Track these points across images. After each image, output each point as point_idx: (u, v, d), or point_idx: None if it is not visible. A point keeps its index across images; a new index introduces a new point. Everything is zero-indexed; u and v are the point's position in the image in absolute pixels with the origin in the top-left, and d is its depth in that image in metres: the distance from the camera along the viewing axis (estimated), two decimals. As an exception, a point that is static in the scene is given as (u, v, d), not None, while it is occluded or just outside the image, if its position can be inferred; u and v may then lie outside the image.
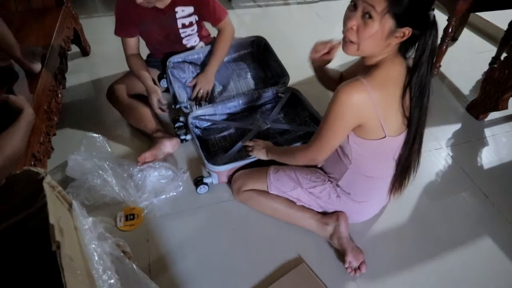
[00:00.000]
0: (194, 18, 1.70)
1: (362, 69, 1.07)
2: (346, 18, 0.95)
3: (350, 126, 1.05)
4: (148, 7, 1.55)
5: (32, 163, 1.26)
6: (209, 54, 1.77)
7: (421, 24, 0.93)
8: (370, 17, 0.90)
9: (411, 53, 1.01)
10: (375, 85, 0.97)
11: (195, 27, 1.74)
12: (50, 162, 1.46)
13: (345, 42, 0.98)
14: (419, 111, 1.04)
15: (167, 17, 1.64)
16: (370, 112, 1.00)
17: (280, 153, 1.34)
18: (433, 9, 0.94)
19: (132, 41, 1.71)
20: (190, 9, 1.66)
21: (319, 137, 1.09)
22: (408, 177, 1.21)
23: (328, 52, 1.26)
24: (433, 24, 0.94)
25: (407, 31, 0.93)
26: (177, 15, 1.65)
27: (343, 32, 0.98)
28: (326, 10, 2.87)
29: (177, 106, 1.71)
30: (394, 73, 1.01)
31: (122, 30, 1.68)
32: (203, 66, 1.79)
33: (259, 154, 1.42)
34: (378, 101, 0.98)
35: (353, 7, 0.94)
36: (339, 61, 2.28)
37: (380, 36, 0.93)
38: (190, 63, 1.81)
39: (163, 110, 1.69)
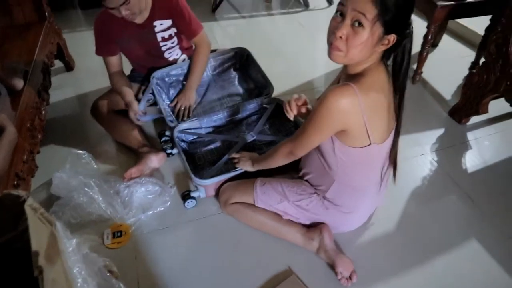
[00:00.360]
0: (172, 31, 1.70)
1: (345, 78, 1.08)
2: (333, 28, 0.96)
3: (335, 128, 1.05)
4: (126, 23, 1.56)
5: (15, 182, 1.24)
6: (188, 71, 1.78)
7: (403, 30, 0.96)
8: (360, 25, 0.91)
9: (391, 59, 1.04)
10: (364, 90, 0.98)
11: (175, 39, 1.74)
12: (35, 180, 1.43)
13: (332, 51, 0.98)
14: (399, 112, 1.09)
15: (146, 31, 1.64)
16: (357, 117, 1.01)
17: (263, 159, 1.34)
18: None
19: (113, 60, 1.71)
20: (168, 22, 1.66)
21: (303, 133, 1.10)
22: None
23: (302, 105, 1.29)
24: (411, 31, 0.98)
25: (392, 37, 0.95)
26: (156, 29, 1.65)
27: (329, 41, 0.98)
28: (308, 20, 2.90)
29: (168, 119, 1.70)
30: (379, 80, 1.03)
31: (102, 49, 1.68)
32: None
33: (245, 165, 1.42)
34: (365, 107, 0.99)
35: (340, 16, 0.95)
36: (326, 69, 2.33)
37: (369, 43, 0.94)
38: (171, 83, 1.84)
39: (137, 120, 1.69)
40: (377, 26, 0.91)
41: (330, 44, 0.98)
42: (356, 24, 0.91)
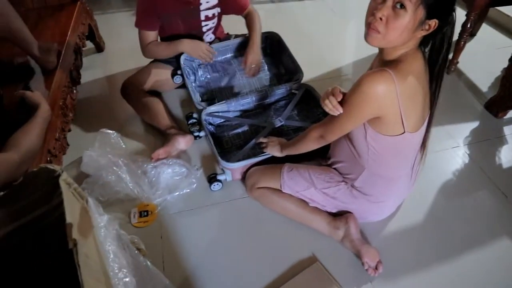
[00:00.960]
0: (216, 11, 1.71)
1: (380, 65, 1.05)
2: (373, 9, 0.92)
3: (369, 115, 1.02)
4: None
5: (48, 159, 1.27)
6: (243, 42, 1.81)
7: (446, 16, 0.92)
8: (403, 7, 0.88)
9: (429, 46, 1.00)
10: (401, 77, 0.95)
11: (215, 20, 1.75)
12: (65, 158, 1.47)
13: (370, 32, 0.94)
14: (434, 102, 1.06)
15: (192, 9, 1.64)
16: (392, 104, 0.97)
17: (293, 144, 1.32)
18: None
19: (152, 34, 1.69)
20: (214, 1, 1.66)
21: (335, 118, 1.07)
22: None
23: None
24: (454, 18, 0.93)
25: (434, 23, 0.91)
26: (201, 7, 1.65)
27: (367, 22, 0.95)
28: (340, 6, 2.83)
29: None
30: (416, 67, 0.99)
31: (144, 22, 1.65)
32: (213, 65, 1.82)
33: (274, 151, 1.41)
34: (401, 94, 0.96)
35: None
36: (356, 56, 2.27)
37: (410, 27, 0.90)
38: (199, 65, 1.84)
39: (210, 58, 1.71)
40: (420, 9, 0.87)
41: (368, 25, 0.94)
42: (398, 6, 0.88)
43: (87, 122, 1.82)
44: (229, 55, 1.91)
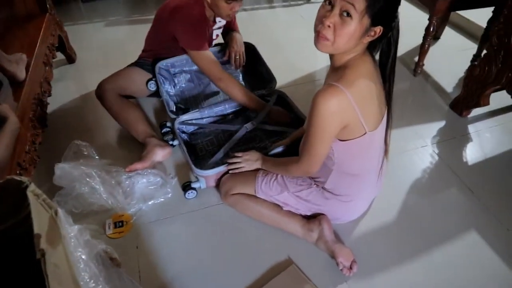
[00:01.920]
0: (220, 31, 1.83)
1: (331, 72, 1.10)
2: (322, 16, 0.96)
3: (335, 131, 1.05)
4: (208, 19, 1.66)
5: (18, 172, 1.25)
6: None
7: (390, 23, 0.97)
8: (349, 15, 0.92)
9: (378, 50, 1.05)
10: (350, 84, 0.99)
11: (217, 40, 1.88)
12: (37, 170, 1.44)
13: (319, 39, 0.98)
14: (389, 99, 1.13)
15: (212, 28, 1.75)
16: (350, 112, 1.01)
17: (273, 165, 1.33)
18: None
19: (213, 55, 1.69)
20: (224, 21, 1.77)
21: (307, 149, 1.10)
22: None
23: None
24: (398, 22, 0.99)
25: (378, 29, 0.96)
26: (214, 26, 1.75)
27: (316, 29, 0.99)
28: (310, 12, 2.89)
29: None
30: (364, 69, 1.04)
31: (205, 44, 1.65)
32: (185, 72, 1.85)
33: (253, 167, 1.39)
34: (355, 99, 0.99)
35: (328, 5, 0.95)
36: (327, 61, 2.32)
37: (357, 34, 0.95)
38: (175, 74, 1.85)
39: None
40: (366, 17, 0.92)
41: (317, 32, 0.98)
42: (345, 14, 0.92)
43: (59, 134, 1.79)
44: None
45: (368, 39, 0.98)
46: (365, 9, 0.90)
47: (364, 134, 1.07)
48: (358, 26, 0.93)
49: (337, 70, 1.04)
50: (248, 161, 1.39)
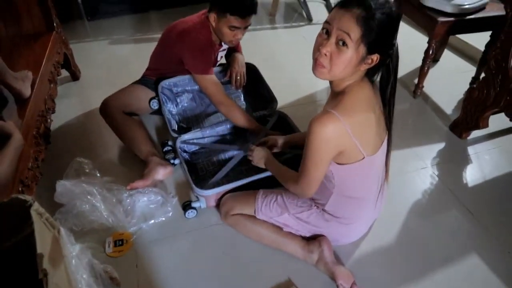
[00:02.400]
0: (224, 53, 1.87)
1: (331, 97, 1.12)
2: (319, 44, 0.99)
3: (330, 157, 1.07)
4: (215, 44, 1.71)
5: (20, 189, 1.25)
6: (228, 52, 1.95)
7: (387, 50, 0.99)
8: (344, 44, 0.94)
9: (377, 76, 1.07)
10: (346, 112, 1.00)
11: (220, 61, 1.91)
12: (39, 187, 1.45)
13: (316, 67, 1.01)
14: (389, 124, 1.14)
15: (219, 51, 1.79)
16: (346, 139, 1.02)
17: (275, 171, 1.33)
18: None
19: (218, 80, 1.71)
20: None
21: (304, 173, 1.11)
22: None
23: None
24: (396, 50, 1.01)
25: (375, 57, 0.98)
26: (220, 49, 1.79)
27: (314, 57, 1.01)
28: (312, 33, 2.92)
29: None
30: (363, 96, 1.06)
31: (211, 68, 1.67)
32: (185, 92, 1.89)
33: (259, 162, 1.41)
34: (352, 127, 1.01)
35: (325, 34, 0.98)
36: (328, 82, 2.35)
37: (353, 62, 0.97)
38: (177, 93, 1.88)
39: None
40: (361, 46, 0.94)
41: (314, 60, 1.01)
42: (341, 43, 0.94)
43: (61, 151, 1.81)
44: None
45: (365, 67, 1.00)
46: (361, 38, 0.93)
47: (363, 159, 1.08)
48: (354, 54, 0.95)
49: (336, 96, 1.06)
50: (255, 157, 1.42)
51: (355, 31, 0.92)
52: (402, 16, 1.03)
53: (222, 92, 1.69)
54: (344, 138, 1.02)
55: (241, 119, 1.69)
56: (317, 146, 1.03)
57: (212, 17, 1.59)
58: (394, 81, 1.06)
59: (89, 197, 1.44)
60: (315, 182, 1.12)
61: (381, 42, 0.96)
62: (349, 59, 0.96)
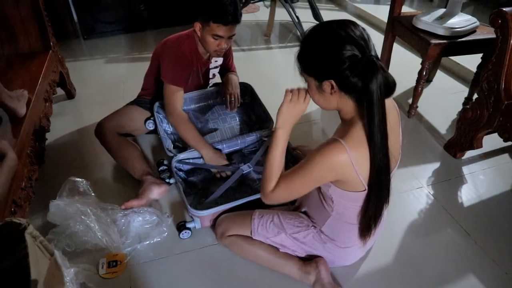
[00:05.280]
0: (217, 70, 1.87)
1: (341, 124, 1.12)
2: None
3: (323, 182, 1.08)
4: (199, 57, 1.69)
5: (12, 209, 1.23)
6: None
7: (336, 74, 0.96)
8: (306, 81, 1.06)
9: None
10: (353, 144, 0.99)
11: (215, 78, 1.92)
12: (31, 206, 1.43)
13: None
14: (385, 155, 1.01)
15: (206, 67, 1.78)
16: (349, 171, 1.02)
17: (276, 155, 1.15)
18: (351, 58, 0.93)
19: (182, 94, 1.71)
20: (221, 61, 1.82)
21: (291, 181, 1.09)
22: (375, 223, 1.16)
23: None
24: (370, 71, 0.91)
25: (328, 83, 0.99)
26: (210, 65, 1.79)
27: None
28: (307, 54, 2.98)
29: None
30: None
31: (180, 80, 1.66)
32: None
33: (288, 118, 1.16)
34: (357, 160, 1.00)
35: None
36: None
37: (314, 91, 1.05)
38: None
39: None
40: (310, 78, 1.03)
41: None
42: (304, 80, 1.06)
43: (55, 170, 1.79)
44: (202, 104, 1.94)
45: (337, 95, 1.01)
46: (304, 71, 1.04)
47: (364, 190, 1.07)
48: (313, 85, 1.03)
49: (345, 125, 1.06)
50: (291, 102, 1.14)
51: (299, 66, 1.05)
52: (327, 42, 0.96)
53: (178, 106, 1.67)
54: (347, 169, 1.01)
55: (188, 137, 1.67)
56: (316, 167, 1.03)
57: (198, 26, 1.59)
58: (377, 108, 0.94)
59: (83, 217, 1.42)
60: (292, 195, 1.15)
61: (315, 68, 1.01)
62: (314, 92, 1.05)
